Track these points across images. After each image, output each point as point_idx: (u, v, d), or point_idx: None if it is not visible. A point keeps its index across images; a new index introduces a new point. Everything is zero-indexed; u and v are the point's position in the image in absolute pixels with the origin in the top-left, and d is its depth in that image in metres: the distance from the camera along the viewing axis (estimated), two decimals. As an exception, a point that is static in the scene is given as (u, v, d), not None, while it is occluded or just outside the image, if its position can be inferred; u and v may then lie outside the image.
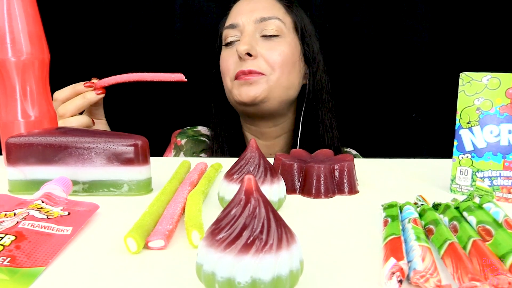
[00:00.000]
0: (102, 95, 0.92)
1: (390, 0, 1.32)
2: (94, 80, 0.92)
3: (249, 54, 1.00)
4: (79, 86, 0.92)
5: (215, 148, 1.11)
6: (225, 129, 1.13)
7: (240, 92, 1.02)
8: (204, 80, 1.21)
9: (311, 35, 1.11)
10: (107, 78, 0.91)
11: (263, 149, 1.12)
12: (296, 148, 1.08)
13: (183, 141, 1.17)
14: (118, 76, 0.91)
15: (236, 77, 1.01)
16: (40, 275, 0.41)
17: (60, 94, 0.91)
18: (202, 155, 1.15)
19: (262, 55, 1.02)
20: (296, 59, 1.07)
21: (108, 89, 1.33)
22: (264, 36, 1.03)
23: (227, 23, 1.07)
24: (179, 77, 0.90)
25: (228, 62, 1.05)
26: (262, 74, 1.01)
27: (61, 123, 0.89)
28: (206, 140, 1.19)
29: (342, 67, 1.34)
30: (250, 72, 1.00)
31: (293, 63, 1.05)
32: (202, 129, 1.22)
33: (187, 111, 1.36)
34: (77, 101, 0.91)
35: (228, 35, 1.06)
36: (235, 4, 1.10)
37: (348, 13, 1.33)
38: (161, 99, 1.38)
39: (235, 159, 0.60)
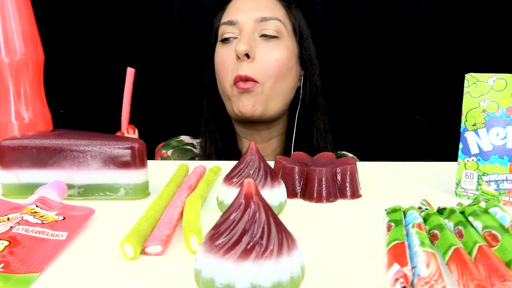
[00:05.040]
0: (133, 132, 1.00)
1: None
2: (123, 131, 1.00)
3: (247, 55, 1.00)
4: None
5: (209, 146, 1.10)
6: (218, 125, 1.13)
7: (239, 105, 1.03)
8: (196, 80, 1.20)
9: (308, 38, 1.11)
10: (123, 120, 1.00)
11: None
12: (290, 150, 1.10)
13: (169, 152, 1.17)
14: (124, 112, 1.00)
15: (235, 83, 1.01)
16: (35, 282, 0.40)
17: None
18: None
19: (259, 59, 1.02)
20: (293, 63, 1.07)
21: (104, 92, 1.33)
22: (263, 36, 1.03)
23: (225, 18, 1.06)
24: (129, 72, 0.98)
25: (226, 61, 1.04)
26: (257, 82, 1.01)
27: None
28: (192, 148, 1.18)
29: (344, 68, 1.34)
30: (247, 78, 1.00)
31: (288, 68, 1.05)
32: (185, 138, 1.22)
33: (182, 115, 1.35)
34: None
35: (226, 31, 1.05)
36: (234, 1, 1.09)
37: (350, 12, 1.33)
38: (159, 100, 1.37)
39: (234, 163, 0.59)
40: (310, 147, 1.09)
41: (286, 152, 1.14)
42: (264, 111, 1.03)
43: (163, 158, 1.17)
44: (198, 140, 1.18)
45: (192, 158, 1.16)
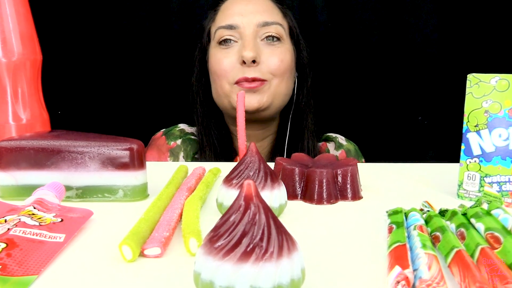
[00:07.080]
0: None
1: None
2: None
3: (253, 61, 1.00)
4: None
5: (207, 151, 1.10)
6: (215, 130, 1.13)
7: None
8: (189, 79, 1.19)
9: (303, 40, 1.13)
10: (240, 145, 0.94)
11: None
12: (279, 150, 1.12)
13: (178, 142, 1.15)
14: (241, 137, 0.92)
15: (237, 82, 1.01)
16: (32, 284, 0.40)
17: None
18: (197, 156, 1.14)
19: (264, 61, 1.02)
20: (293, 65, 1.09)
21: (102, 93, 1.32)
22: (266, 41, 1.03)
23: (223, 22, 1.05)
24: (241, 95, 0.91)
25: (224, 64, 1.03)
26: (265, 80, 1.02)
27: None
28: (196, 138, 1.17)
29: (345, 69, 1.34)
30: (254, 80, 1.01)
31: (290, 70, 1.08)
32: (185, 127, 1.19)
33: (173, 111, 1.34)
34: None
35: (224, 34, 1.04)
36: (228, 2, 1.09)
37: (351, 12, 1.33)
38: (159, 102, 1.37)
39: (234, 164, 0.59)
40: (300, 148, 1.11)
41: (274, 151, 1.14)
42: (268, 107, 1.04)
43: (172, 150, 1.15)
44: (195, 129, 1.17)
45: (197, 152, 1.16)
